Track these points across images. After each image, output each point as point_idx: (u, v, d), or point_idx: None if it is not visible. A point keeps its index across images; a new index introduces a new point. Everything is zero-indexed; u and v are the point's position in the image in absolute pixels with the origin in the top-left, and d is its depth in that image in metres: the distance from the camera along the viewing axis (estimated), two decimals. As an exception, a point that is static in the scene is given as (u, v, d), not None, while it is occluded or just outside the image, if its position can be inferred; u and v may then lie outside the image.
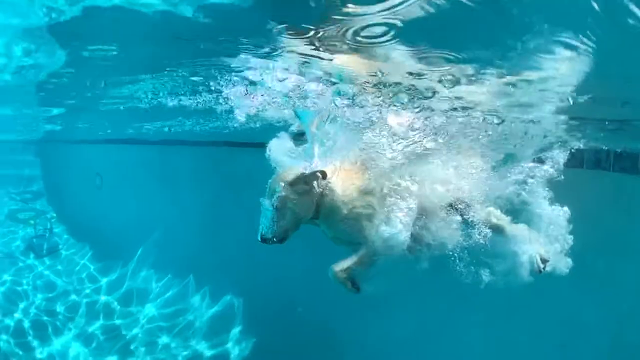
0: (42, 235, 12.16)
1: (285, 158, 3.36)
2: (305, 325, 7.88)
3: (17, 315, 9.01)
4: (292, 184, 3.03)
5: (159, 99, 4.41)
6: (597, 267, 4.36)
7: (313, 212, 3.18)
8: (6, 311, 8.98)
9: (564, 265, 3.46)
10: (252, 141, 7.66)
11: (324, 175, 3.08)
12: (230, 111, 4.41)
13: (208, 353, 8.35)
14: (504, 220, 3.49)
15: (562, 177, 3.70)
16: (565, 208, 3.55)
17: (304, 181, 3.07)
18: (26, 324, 8.83)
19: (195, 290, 9.35)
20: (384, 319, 7.22)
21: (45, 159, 15.50)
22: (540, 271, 3.32)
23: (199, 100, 4.20)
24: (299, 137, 3.65)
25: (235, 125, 5.57)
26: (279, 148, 3.43)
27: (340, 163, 3.30)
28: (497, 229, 3.44)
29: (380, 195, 3.21)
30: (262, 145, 3.47)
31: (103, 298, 9.82)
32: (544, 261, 3.35)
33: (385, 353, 7.27)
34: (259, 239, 3.06)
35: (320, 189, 3.14)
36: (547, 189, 3.64)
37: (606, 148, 4.50)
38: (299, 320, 7.92)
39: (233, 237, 7.68)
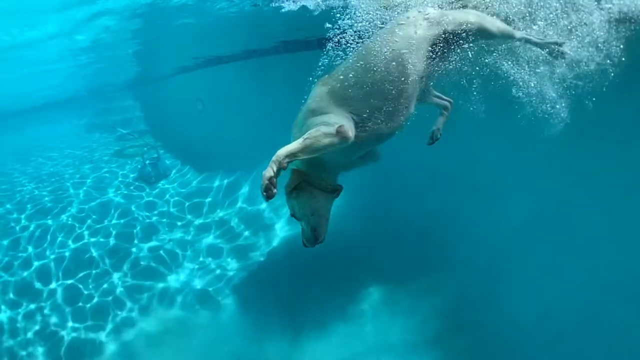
0: (151, 164, 12.94)
1: None
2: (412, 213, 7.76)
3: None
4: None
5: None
6: None
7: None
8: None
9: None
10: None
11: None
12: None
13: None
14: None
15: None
16: None
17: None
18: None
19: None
20: (494, 205, 6.91)
21: (143, 98, 16.42)
22: (563, 55, 3.45)
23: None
24: None
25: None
26: None
27: None
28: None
29: None
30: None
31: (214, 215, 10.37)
32: (560, 44, 3.45)
33: (497, 241, 7.00)
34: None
35: None
36: None
37: None
38: (405, 207, 7.80)
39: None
